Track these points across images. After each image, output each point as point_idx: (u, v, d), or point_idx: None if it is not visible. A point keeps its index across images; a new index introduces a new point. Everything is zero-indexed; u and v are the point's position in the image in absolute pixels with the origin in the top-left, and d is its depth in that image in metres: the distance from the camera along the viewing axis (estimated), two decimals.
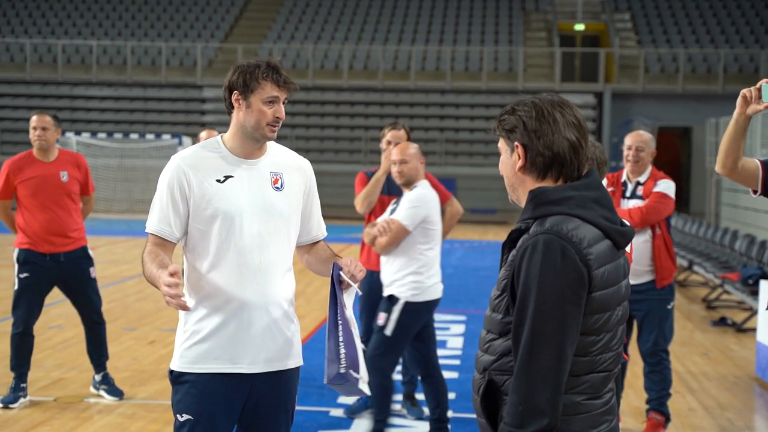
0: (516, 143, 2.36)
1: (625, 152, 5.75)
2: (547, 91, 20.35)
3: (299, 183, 3.25)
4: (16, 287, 6.09)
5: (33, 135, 6.03)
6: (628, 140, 5.76)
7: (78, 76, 27.80)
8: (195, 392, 3.12)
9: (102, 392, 6.32)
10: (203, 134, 6.78)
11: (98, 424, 5.84)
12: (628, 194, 5.74)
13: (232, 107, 3.16)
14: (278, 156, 3.25)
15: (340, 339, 3.08)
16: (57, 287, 6.26)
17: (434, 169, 23.39)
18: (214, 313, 3.13)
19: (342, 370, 3.06)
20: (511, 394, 2.20)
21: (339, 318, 3.10)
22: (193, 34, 29.91)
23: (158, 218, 3.13)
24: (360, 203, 5.87)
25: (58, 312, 9.57)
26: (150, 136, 23.23)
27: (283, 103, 3.15)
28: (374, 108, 26.84)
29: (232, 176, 3.13)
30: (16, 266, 6.11)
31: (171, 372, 3.20)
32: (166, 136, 23.38)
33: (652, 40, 28.17)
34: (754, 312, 9.43)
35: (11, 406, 6.04)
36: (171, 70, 27.87)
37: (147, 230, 3.16)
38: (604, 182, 5.76)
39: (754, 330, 8.91)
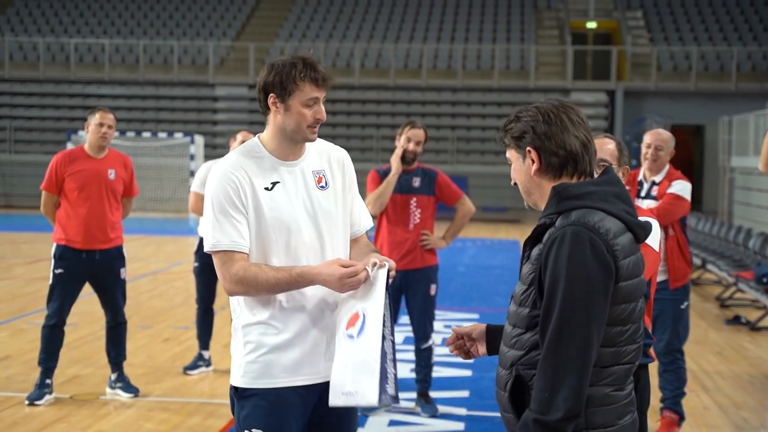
0: (528, 148, 2.40)
1: (644, 150, 5.67)
2: (559, 89, 20.49)
3: (340, 177, 3.10)
4: (51, 281, 6.18)
5: (97, 132, 6.12)
6: (648, 138, 5.67)
7: (90, 74, 27.90)
8: (265, 405, 2.97)
9: (118, 390, 6.36)
10: (239, 136, 6.87)
11: (114, 420, 5.88)
12: (642, 194, 5.68)
13: (268, 109, 3.00)
14: (316, 151, 3.10)
15: (389, 355, 2.83)
16: (88, 283, 6.31)
17: (446, 168, 23.38)
18: (274, 323, 2.98)
19: (391, 391, 2.81)
20: (537, 381, 2.24)
21: (387, 329, 2.84)
22: (205, 33, 29.98)
23: (230, 233, 2.92)
24: (372, 203, 5.90)
25: (73, 310, 9.57)
26: (162, 135, 23.30)
27: (323, 101, 2.99)
28: (386, 106, 26.84)
29: (279, 182, 2.99)
30: (53, 261, 6.20)
31: (235, 389, 3.03)
32: (179, 135, 23.44)
33: (665, 38, 28.08)
34: None
35: (37, 403, 6.08)
36: (183, 69, 27.95)
37: (217, 248, 2.92)
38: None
39: None
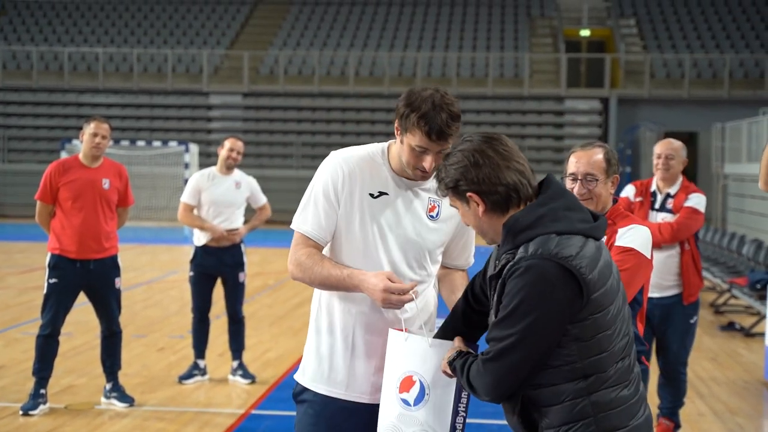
0: (468, 194, 2.42)
1: (655, 161, 5.55)
2: (553, 97, 20.48)
3: (456, 215, 2.93)
4: (45, 291, 6.17)
5: (91, 141, 6.13)
6: (658, 148, 5.55)
7: (84, 83, 27.89)
8: (312, 413, 2.99)
9: (113, 400, 6.35)
10: (227, 143, 7.06)
11: (109, 430, 5.86)
12: (657, 206, 5.56)
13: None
14: None
15: (461, 409, 2.71)
16: (83, 292, 6.30)
17: None
18: (338, 334, 2.95)
19: None
20: (484, 372, 2.38)
21: (462, 405, 2.70)
22: (199, 41, 29.99)
23: (312, 218, 2.92)
24: None
25: (67, 320, 9.57)
26: (157, 143, 23.28)
27: (440, 153, 2.78)
28: (380, 114, 26.87)
29: (387, 193, 2.91)
30: (47, 271, 6.19)
31: (296, 384, 3.06)
32: (173, 143, 23.42)
33: (658, 46, 28.17)
34: (762, 316, 9.43)
35: (31, 413, 6.07)
36: (177, 77, 27.95)
37: (298, 229, 2.94)
38: (632, 190, 5.63)
39: (762, 335, 8.91)
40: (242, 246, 7.15)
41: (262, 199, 7.28)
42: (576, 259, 2.30)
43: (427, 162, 2.81)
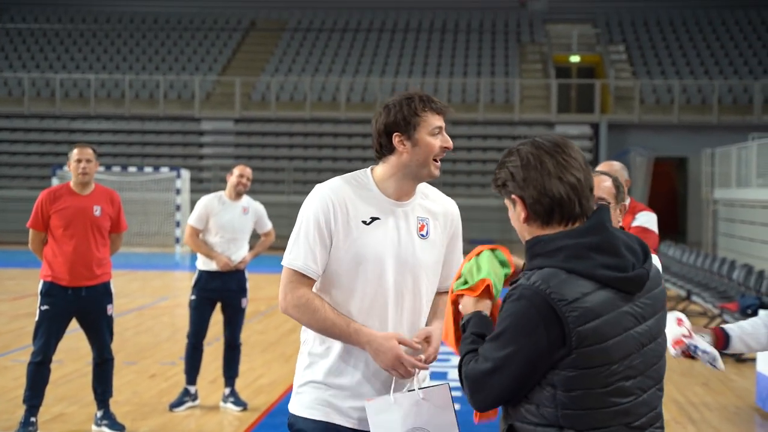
0: (513, 196, 2.32)
1: None
2: (543, 122, 20.50)
3: (442, 229, 3.00)
4: (37, 318, 6.16)
5: (77, 168, 6.13)
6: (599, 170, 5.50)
7: (76, 109, 27.92)
8: None
9: (104, 428, 6.32)
10: (236, 170, 7.05)
11: None
12: None
13: (389, 151, 2.92)
14: (426, 198, 3.01)
15: None
16: (75, 319, 6.28)
17: None
18: (337, 359, 2.93)
19: None
20: (465, 378, 2.31)
21: None
22: (191, 67, 30.09)
23: (304, 253, 2.88)
24: None
25: (58, 347, 9.55)
26: (148, 169, 23.30)
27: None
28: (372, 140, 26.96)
29: (378, 218, 2.91)
30: (39, 298, 6.18)
31: (290, 415, 3.01)
32: (165, 169, 23.45)
33: (647, 72, 28.38)
34: None
35: None
36: (169, 103, 28.01)
37: (289, 265, 2.90)
38: None
39: (753, 360, 8.91)
40: (245, 272, 7.15)
41: (268, 225, 7.30)
42: (571, 305, 2.15)
43: (447, 138, 2.91)
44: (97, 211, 6.20)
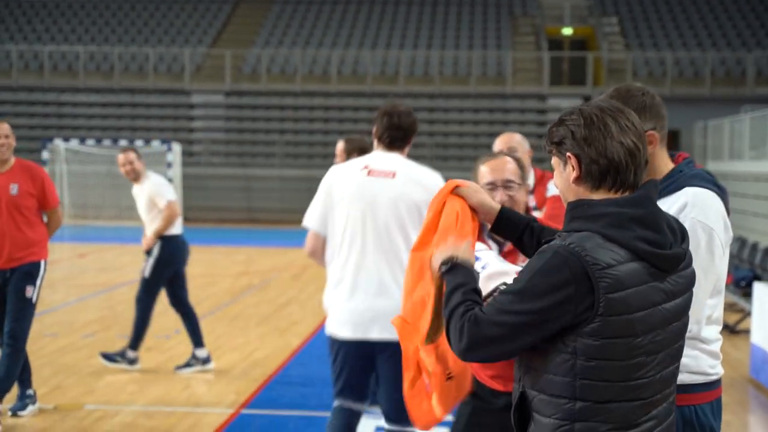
0: (568, 154, 2.26)
1: None
2: (536, 95, 20.46)
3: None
4: None
5: None
6: (497, 146, 5.11)
7: (65, 82, 27.71)
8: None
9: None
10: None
11: (100, 429, 5.83)
12: None
13: None
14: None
15: None
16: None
17: None
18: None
19: None
20: (478, 333, 2.21)
21: None
22: (180, 40, 29.87)
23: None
24: None
25: (52, 320, 9.54)
26: (139, 143, 23.15)
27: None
28: (363, 113, 26.86)
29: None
30: None
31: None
32: (156, 143, 23.32)
33: (640, 44, 28.32)
34: (747, 314, 9.49)
35: (20, 413, 6.00)
36: (159, 76, 27.83)
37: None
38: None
39: (747, 332, 8.97)
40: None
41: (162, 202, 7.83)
42: (604, 270, 2.12)
43: None
44: (13, 189, 5.81)
